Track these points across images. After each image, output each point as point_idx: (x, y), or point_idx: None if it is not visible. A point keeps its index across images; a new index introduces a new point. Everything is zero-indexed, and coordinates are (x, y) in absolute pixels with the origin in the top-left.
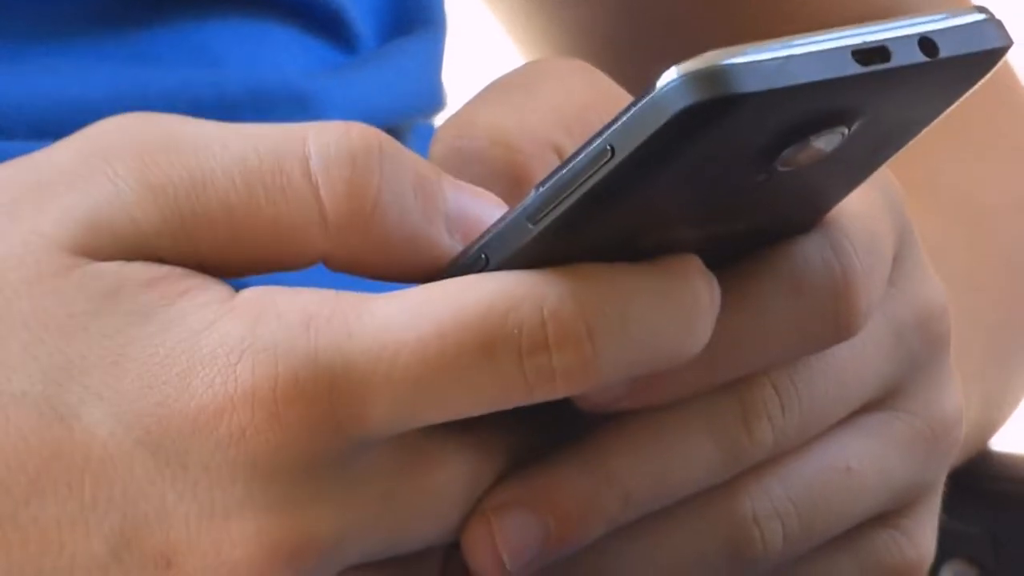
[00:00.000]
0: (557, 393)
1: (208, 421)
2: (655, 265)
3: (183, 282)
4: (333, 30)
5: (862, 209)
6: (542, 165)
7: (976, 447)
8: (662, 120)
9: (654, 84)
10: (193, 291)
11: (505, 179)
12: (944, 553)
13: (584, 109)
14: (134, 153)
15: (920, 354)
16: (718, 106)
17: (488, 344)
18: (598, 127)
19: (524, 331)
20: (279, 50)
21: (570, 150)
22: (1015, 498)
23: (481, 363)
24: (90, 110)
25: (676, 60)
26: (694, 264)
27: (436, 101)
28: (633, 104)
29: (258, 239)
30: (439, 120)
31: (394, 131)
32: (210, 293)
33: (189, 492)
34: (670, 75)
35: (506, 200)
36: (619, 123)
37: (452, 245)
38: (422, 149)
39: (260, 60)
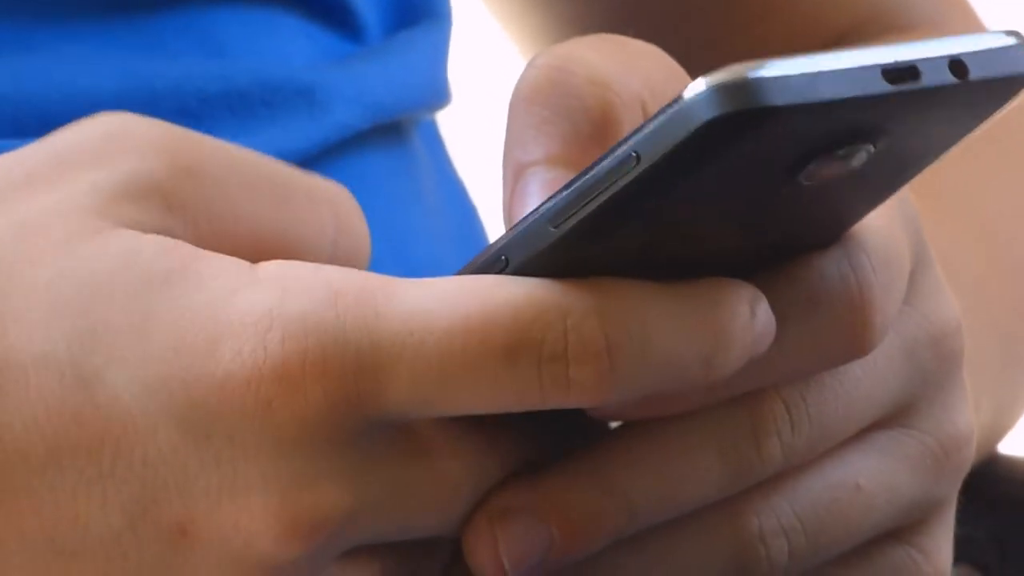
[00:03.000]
0: (569, 403)
1: (235, 390)
2: (684, 288)
3: (196, 251)
4: (340, 20)
5: (881, 224)
6: (631, 116)
7: (985, 453)
8: (689, 130)
9: (682, 94)
10: (208, 258)
11: (597, 118)
12: None
13: (666, 80)
14: (159, 134)
15: (933, 372)
16: (745, 118)
17: (511, 346)
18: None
19: (546, 339)
20: (286, 40)
21: (653, 110)
22: (1021, 502)
23: (502, 363)
24: (98, 103)
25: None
26: (726, 293)
27: (441, 95)
28: (660, 112)
29: (272, 248)
30: (441, 115)
31: (398, 125)
32: (227, 261)
33: (212, 462)
34: (698, 86)
35: (590, 141)
36: (645, 131)
37: None
38: (426, 146)
39: (267, 51)
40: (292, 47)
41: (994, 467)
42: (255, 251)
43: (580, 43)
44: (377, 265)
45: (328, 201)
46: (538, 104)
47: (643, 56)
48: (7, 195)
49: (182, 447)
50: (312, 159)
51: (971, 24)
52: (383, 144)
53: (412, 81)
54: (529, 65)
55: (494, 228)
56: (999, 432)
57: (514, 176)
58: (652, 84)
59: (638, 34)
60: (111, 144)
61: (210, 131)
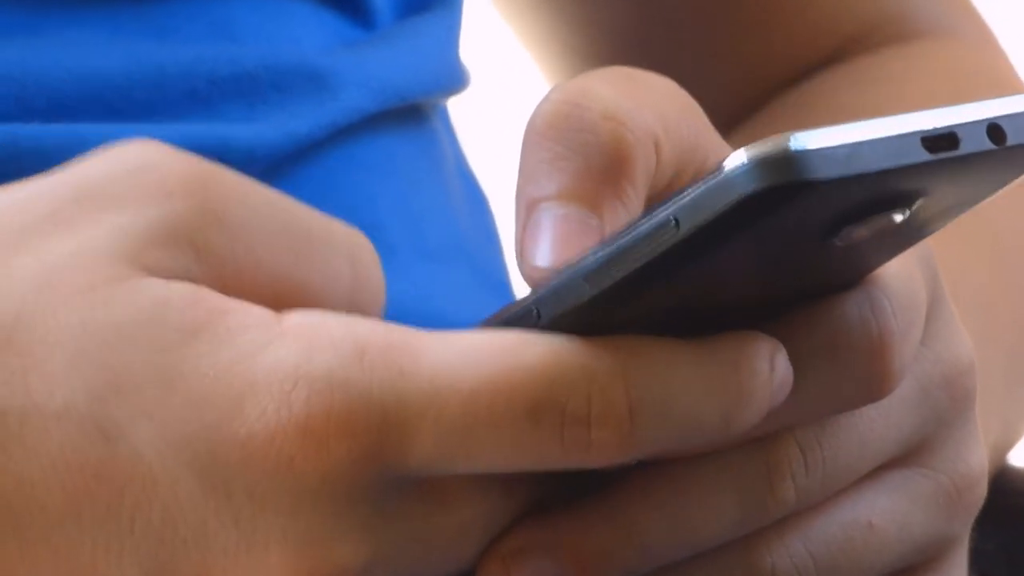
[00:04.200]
0: (589, 463)
1: (258, 448)
2: (707, 347)
3: (225, 302)
4: (350, 5)
5: (900, 267)
6: (645, 153)
7: (994, 469)
8: (729, 201)
9: (722, 164)
10: (236, 312)
11: (610, 153)
12: None
13: (679, 115)
14: (187, 173)
15: (946, 411)
16: (785, 192)
17: (535, 407)
18: (688, 136)
19: (570, 403)
20: (296, 25)
21: (666, 146)
22: None
23: (525, 425)
24: (106, 86)
25: (679, 61)
26: (748, 351)
27: (455, 80)
28: (701, 181)
29: (290, 295)
30: (453, 102)
31: (416, 108)
32: (254, 315)
33: (231, 519)
34: (739, 158)
35: (602, 176)
36: (686, 198)
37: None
38: (443, 130)
39: (277, 35)
40: (302, 32)
41: (1003, 479)
42: (274, 298)
43: (594, 77)
44: (391, 249)
45: (346, 250)
46: (551, 139)
47: (657, 91)
48: (30, 233)
49: (202, 504)
50: (322, 142)
51: (979, 30)
52: (399, 127)
53: (423, 66)
54: (543, 99)
55: (504, 220)
56: (1006, 449)
57: (526, 211)
58: (665, 118)
59: (644, 41)
60: (138, 182)
61: (220, 115)
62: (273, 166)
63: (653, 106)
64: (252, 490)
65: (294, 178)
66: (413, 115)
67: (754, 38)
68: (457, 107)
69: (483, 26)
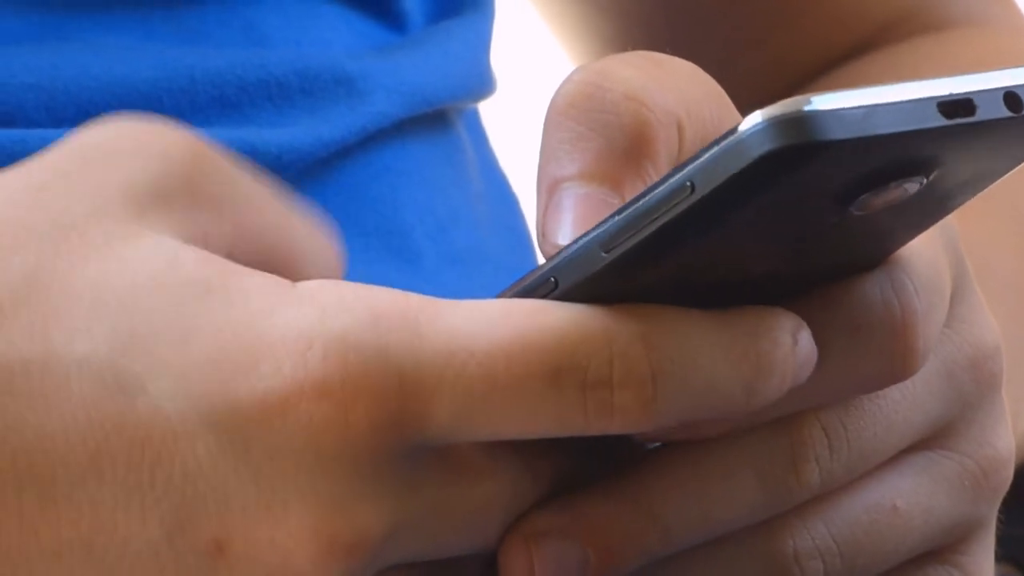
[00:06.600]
0: (613, 428)
1: (275, 407)
2: (729, 317)
3: (236, 266)
4: (381, 9)
5: (924, 247)
6: (667, 134)
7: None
8: (744, 162)
9: (737, 126)
10: (250, 274)
11: (632, 134)
12: None
13: (702, 99)
14: (177, 135)
15: (971, 394)
16: (800, 152)
17: (556, 370)
18: (711, 120)
19: (591, 365)
20: (326, 29)
21: (688, 129)
22: None
23: (545, 389)
24: (135, 92)
25: (710, 51)
26: (769, 322)
27: (484, 85)
28: (715, 143)
29: (284, 268)
30: (482, 107)
31: (442, 113)
32: (267, 279)
33: (250, 478)
34: (755, 119)
35: (624, 157)
36: (700, 160)
37: None
38: (470, 135)
39: (307, 39)
40: (333, 36)
41: None
42: (270, 255)
43: (616, 59)
44: (418, 254)
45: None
46: (573, 119)
47: (679, 73)
48: (43, 192)
49: (222, 462)
50: (351, 148)
51: (1012, 18)
52: (425, 132)
53: (453, 70)
54: (565, 80)
55: (532, 219)
56: None
57: (548, 191)
58: (688, 101)
59: (675, 30)
60: (134, 143)
61: (249, 120)
62: (303, 172)
63: (676, 89)
64: (271, 449)
65: (323, 184)
66: (438, 120)
67: (785, 26)
68: (488, 108)
69: (515, 28)
